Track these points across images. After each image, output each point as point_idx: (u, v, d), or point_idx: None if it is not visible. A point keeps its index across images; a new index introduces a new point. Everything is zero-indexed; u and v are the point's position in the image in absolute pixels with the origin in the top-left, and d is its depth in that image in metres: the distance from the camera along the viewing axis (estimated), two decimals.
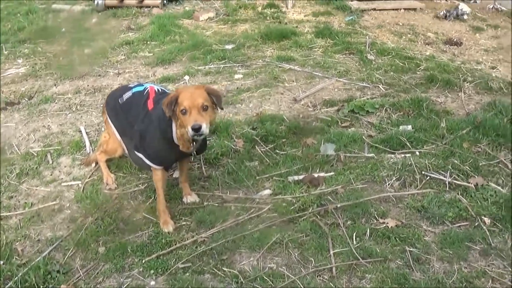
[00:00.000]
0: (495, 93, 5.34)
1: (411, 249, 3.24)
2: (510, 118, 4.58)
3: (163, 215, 3.55)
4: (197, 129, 2.93)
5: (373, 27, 7.34)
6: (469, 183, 3.82)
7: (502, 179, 3.88)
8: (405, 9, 8.03)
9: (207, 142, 3.71)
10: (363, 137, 4.44)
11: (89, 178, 4.02)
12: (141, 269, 3.17)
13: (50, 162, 4.23)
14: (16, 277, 3.06)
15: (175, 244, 3.35)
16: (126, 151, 3.76)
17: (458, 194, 3.73)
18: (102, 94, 5.44)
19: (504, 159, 4.07)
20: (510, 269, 3.09)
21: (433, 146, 4.29)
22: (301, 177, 3.94)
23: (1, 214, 3.53)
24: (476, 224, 3.45)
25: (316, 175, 3.94)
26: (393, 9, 7.96)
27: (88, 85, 5.68)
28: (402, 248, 3.26)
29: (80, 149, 4.35)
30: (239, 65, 6.09)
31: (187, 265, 3.21)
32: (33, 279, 3.06)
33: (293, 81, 5.62)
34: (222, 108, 3.29)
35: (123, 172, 4.11)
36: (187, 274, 3.14)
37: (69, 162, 4.25)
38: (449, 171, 3.93)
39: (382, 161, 4.10)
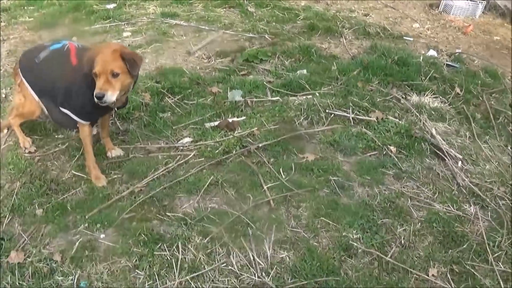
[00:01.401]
0: (373, 38, 6.28)
1: (334, 178, 3.89)
2: (395, 59, 5.49)
3: (94, 171, 3.70)
4: (99, 98, 3.10)
5: None
6: (370, 117, 4.60)
7: (397, 112, 4.76)
8: None
9: (127, 97, 3.90)
10: (264, 83, 4.96)
11: (4, 144, 4.01)
12: (86, 225, 3.32)
13: None
14: None
15: (113, 197, 3.53)
16: (46, 112, 3.74)
17: (362, 128, 4.48)
18: None
19: (396, 95, 4.97)
20: (423, 189, 3.92)
21: (330, 87, 5.01)
22: (216, 123, 4.34)
23: None
24: (384, 153, 4.23)
25: (230, 120, 4.37)
26: None
27: None
28: (326, 178, 3.89)
29: None
30: (124, 23, 6.28)
31: (131, 214, 3.41)
32: None
33: (182, 36, 5.97)
34: (134, 75, 3.42)
35: (38, 135, 4.12)
36: (134, 223, 3.34)
37: None
38: (350, 108, 4.67)
39: (287, 103, 4.69)
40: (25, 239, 3.20)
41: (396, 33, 6.42)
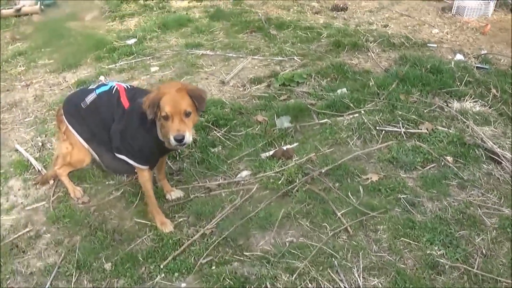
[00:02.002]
0: (398, 48, 6.21)
1: (403, 196, 3.78)
2: (428, 68, 5.40)
3: (158, 216, 3.57)
4: (179, 140, 2.94)
5: (259, 4, 7.90)
6: (421, 129, 4.50)
7: (444, 121, 4.66)
8: None
9: None
10: (308, 106, 4.85)
11: (53, 197, 3.87)
12: (162, 275, 3.19)
13: (1, 188, 3.92)
14: None
15: (184, 242, 3.42)
16: (98, 159, 3.61)
17: (416, 141, 4.37)
18: (20, 108, 5.20)
19: (440, 103, 4.87)
20: (488, 195, 3.80)
21: (373, 103, 4.91)
22: (271, 152, 4.22)
23: None
24: (443, 163, 4.12)
25: (284, 148, 4.24)
26: None
27: None
28: (395, 196, 3.78)
29: (27, 169, 4.15)
30: (149, 58, 6.17)
31: (209, 259, 3.28)
32: None
33: (211, 65, 5.87)
34: (204, 111, 3.34)
35: (87, 183, 4.00)
36: (213, 267, 3.20)
37: (20, 185, 4.00)
38: (400, 123, 4.56)
39: (336, 124, 4.59)
40: None
41: (420, 41, 6.37)
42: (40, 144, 4.52)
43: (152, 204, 3.56)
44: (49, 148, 4.44)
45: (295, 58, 5.90)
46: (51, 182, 3.98)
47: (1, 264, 3.26)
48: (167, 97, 3.02)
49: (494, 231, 3.47)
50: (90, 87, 3.68)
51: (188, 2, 7.80)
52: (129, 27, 6.98)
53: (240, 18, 7.12)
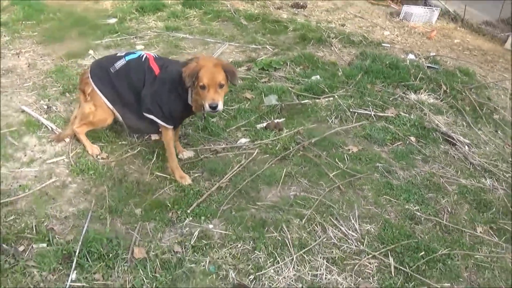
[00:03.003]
0: (357, 45, 7.31)
1: (380, 164, 4.78)
2: (387, 64, 6.59)
3: (178, 171, 4.21)
4: (214, 107, 3.56)
5: None
6: (388, 114, 5.62)
7: (405, 108, 5.79)
8: None
9: None
10: (289, 88, 5.82)
11: (72, 153, 4.39)
12: (190, 218, 3.84)
13: (16, 143, 4.39)
14: (79, 253, 3.39)
15: (204, 193, 4.09)
16: (120, 119, 4.19)
17: (384, 122, 5.46)
18: (16, 74, 5.60)
19: (401, 94, 6.05)
20: (447, 169, 4.95)
21: (344, 89, 5.95)
22: (264, 124, 5.13)
23: (1, 201, 3.73)
24: (407, 142, 5.20)
25: (276, 121, 5.19)
26: None
27: None
28: (373, 165, 4.78)
29: (39, 128, 4.63)
30: (133, 37, 6.78)
31: (228, 206, 4.04)
32: (101, 249, 3.42)
33: (192, 48, 6.61)
34: (235, 85, 4.08)
35: (101, 142, 4.55)
36: (233, 212, 3.98)
37: (35, 141, 4.45)
38: (370, 107, 5.65)
39: (316, 105, 5.56)
40: (136, 237, 3.66)
41: (375, 41, 7.48)
42: (45, 107, 4.96)
43: (173, 160, 4.19)
44: (55, 111, 4.91)
45: (268, 47, 6.78)
46: (67, 140, 4.50)
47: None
48: (205, 70, 3.61)
49: (455, 195, 4.48)
50: (118, 54, 4.22)
51: None
52: (105, 7, 7.51)
53: (211, 7, 7.90)
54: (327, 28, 7.58)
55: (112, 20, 6.94)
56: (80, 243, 3.41)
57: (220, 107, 3.68)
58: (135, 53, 4.14)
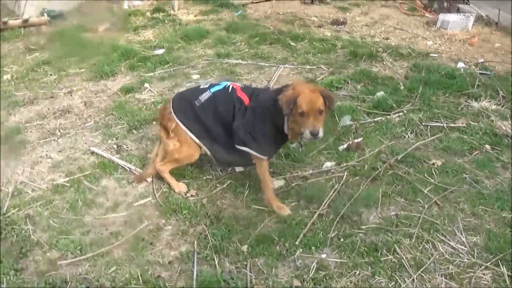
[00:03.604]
0: (407, 58, 7.41)
1: (466, 176, 4.83)
2: (442, 74, 6.65)
3: (275, 202, 4.20)
4: (315, 135, 3.56)
5: (262, 19, 8.94)
6: (459, 124, 5.66)
7: (471, 117, 5.84)
8: None
9: None
10: (357, 106, 5.88)
11: (158, 192, 4.43)
12: (301, 250, 3.85)
13: (94, 188, 4.44)
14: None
15: (307, 222, 4.12)
16: (209, 153, 4.22)
17: (457, 133, 5.51)
18: (74, 114, 5.71)
19: (465, 103, 6.09)
20: None
21: (410, 103, 6.02)
22: (345, 145, 5.18)
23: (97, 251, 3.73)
24: (484, 150, 5.23)
25: (355, 141, 5.24)
26: (266, 0, 9.85)
27: (49, 109, 5.69)
28: (460, 177, 4.79)
29: (114, 169, 4.69)
30: (185, 67, 6.86)
31: (334, 233, 4.07)
32: None
33: (249, 73, 6.70)
34: (333, 110, 4.14)
35: (185, 179, 4.59)
36: (342, 239, 4.01)
37: (114, 184, 4.49)
38: (440, 118, 5.70)
39: (389, 121, 5.63)
40: (250, 275, 3.61)
41: (423, 52, 7.56)
42: (115, 146, 5.02)
43: (269, 191, 4.17)
44: (126, 150, 4.98)
45: (322, 66, 6.86)
46: (149, 180, 4.45)
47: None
48: (303, 96, 3.61)
49: None
50: (201, 87, 4.28)
51: (195, 16, 8.62)
52: (148, 38, 7.62)
53: (255, 31, 8.03)
54: (373, 43, 7.66)
55: (160, 51, 7.05)
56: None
57: (321, 134, 3.71)
58: (220, 84, 4.17)
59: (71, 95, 5.92)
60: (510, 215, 4.25)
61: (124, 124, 5.29)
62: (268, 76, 6.46)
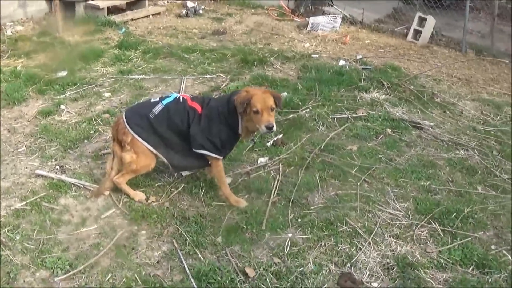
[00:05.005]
0: (293, 60, 8.67)
1: (380, 156, 6.11)
2: (331, 71, 8.12)
3: (232, 197, 4.97)
4: (270, 128, 4.31)
5: (146, 34, 9.76)
6: (361, 114, 7.08)
7: (368, 107, 7.29)
8: (152, 14, 10.87)
9: None
10: None
11: (120, 203, 4.97)
12: (269, 233, 4.59)
13: (56, 207, 4.85)
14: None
15: (264, 210, 5.04)
16: (165, 160, 4.86)
17: (361, 122, 6.90)
18: (2, 142, 5.95)
19: (359, 94, 7.56)
20: (428, 148, 6.36)
21: (313, 100, 7.29)
22: (271, 142, 6.30)
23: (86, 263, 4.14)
24: (387, 134, 6.58)
25: (278, 137, 6.39)
26: (144, 16, 10.68)
27: None
28: (376, 157, 6.02)
29: (68, 188, 5.11)
30: (93, 86, 7.56)
31: (292, 215, 5.00)
32: (218, 279, 4.09)
33: (156, 87, 7.43)
34: (281, 109, 5.15)
35: (139, 187, 5.18)
36: (300, 219, 4.91)
37: (73, 201, 4.91)
38: (343, 111, 7.08)
39: (301, 117, 6.78)
40: (235, 261, 4.29)
41: (305, 53, 8.93)
42: (57, 167, 5.42)
43: (226, 188, 4.95)
44: (70, 169, 5.43)
45: (221, 75, 7.78)
46: (106, 193, 5.05)
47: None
48: (257, 97, 4.35)
49: (447, 167, 5.83)
50: (152, 100, 4.92)
51: (80, 37, 9.17)
52: (45, 62, 7.96)
53: (145, 46, 8.76)
54: (258, 49, 8.77)
55: (63, 73, 7.37)
56: (192, 280, 4.10)
57: (275, 128, 4.55)
58: (170, 96, 4.85)
59: None
60: (428, 183, 5.46)
61: (57, 145, 5.64)
62: (175, 88, 7.15)
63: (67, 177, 5.21)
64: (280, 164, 5.61)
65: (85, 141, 5.89)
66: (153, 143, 4.72)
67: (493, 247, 4.64)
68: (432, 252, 4.55)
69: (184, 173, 5.34)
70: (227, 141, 4.81)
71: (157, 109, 4.73)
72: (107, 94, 7.04)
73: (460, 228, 4.84)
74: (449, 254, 4.51)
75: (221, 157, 4.82)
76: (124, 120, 4.73)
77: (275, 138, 6.02)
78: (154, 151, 4.75)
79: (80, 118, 6.38)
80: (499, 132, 6.80)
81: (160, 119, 4.70)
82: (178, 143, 4.78)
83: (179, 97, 4.81)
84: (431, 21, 10.04)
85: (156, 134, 4.71)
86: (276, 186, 5.27)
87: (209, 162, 4.87)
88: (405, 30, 10.50)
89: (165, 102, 4.78)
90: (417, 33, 10.15)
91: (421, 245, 4.64)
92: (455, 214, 4.99)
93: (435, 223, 4.90)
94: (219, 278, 4.06)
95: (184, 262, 4.25)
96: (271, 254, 4.42)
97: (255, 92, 4.48)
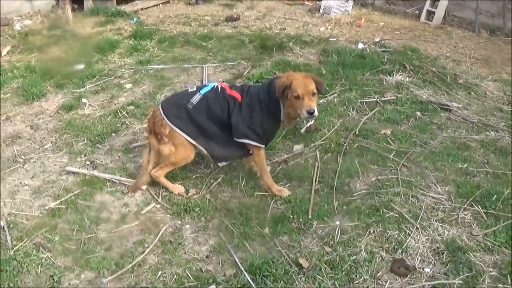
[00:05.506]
0: (311, 44, 8.58)
1: (414, 139, 6.07)
2: (353, 55, 8.03)
3: (274, 186, 4.91)
4: (311, 113, 4.25)
5: (158, 24, 9.61)
6: (389, 97, 7.02)
7: (394, 90, 7.25)
8: (162, 3, 10.75)
9: None
10: None
11: (159, 197, 4.91)
12: (316, 222, 4.59)
13: (93, 204, 4.73)
14: (254, 281, 4.03)
15: (308, 198, 5.00)
16: (205, 152, 4.78)
17: (390, 105, 6.86)
18: (26, 139, 5.87)
19: (384, 78, 7.47)
20: (459, 130, 6.32)
21: (339, 84, 7.23)
22: (304, 128, 6.23)
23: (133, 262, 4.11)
24: (417, 117, 6.57)
25: (311, 123, 6.32)
26: (154, 5, 10.56)
27: None
28: (410, 141, 5.99)
29: (103, 184, 5.03)
30: (113, 78, 7.48)
31: (337, 203, 4.96)
32: (273, 271, 4.05)
33: (178, 76, 7.32)
34: (323, 94, 5.04)
35: (177, 180, 5.10)
36: (345, 207, 4.89)
37: (110, 198, 4.83)
38: (371, 94, 7.02)
39: (330, 103, 6.73)
40: (286, 251, 4.30)
41: (322, 37, 8.85)
42: (88, 162, 5.35)
43: (268, 177, 4.88)
44: (102, 164, 5.35)
45: (242, 61, 7.71)
46: (144, 187, 4.92)
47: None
48: (297, 81, 4.31)
49: (480, 149, 5.81)
50: (190, 90, 4.81)
51: (92, 28, 9.03)
52: (59, 55, 7.85)
53: (160, 35, 8.66)
54: (275, 34, 8.70)
55: (80, 66, 7.28)
56: (246, 273, 3.99)
57: (316, 113, 4.45)
58: (208, 86, 4.77)
59: (11, 121, 6.00)
60: (465, 165, 5.42)
61: (84, 140, 5.60)
62: (197, 77, 7.07)
63: (100, 172, 5.13)
64: (317, 151, 5.54)
65: (113, 134, 5.83)
66: (193, 134, 4.62)
67: None
68: (478, 235, 4.53)
69: (221, 164, 5.26)
70: (269, 129, 4.72)
71: (196, 99, 4.63)
72: (128, 86, 6.94)
73: (502, 210, 4.80)
74: (495, 236, 4.49)
75: (263, 146, 4.74)
76: (161, 111, 4.63)
77: (308, 125, 5.89)
78: (194, 142, 4.66)
79: (104, 111, 6.29)
80: None
81: (199, 109, 4.59)
82: (218, 133, 4.67)
83: (217, 86, 4.71)
84: (443, 2, 10.01)
85: (195, 124, 4.61)
86: (317, 173, 5.20)
87: (250, 152, 4.79)
88: (417, 12, 10.44)
89: (203, 91, 4.67)
90: (430, 14, 10.08)
91: (466, 228, 4.62)
92: (495, 196, 4.94)
93: (477, 206, 4.88)
94: (273, 271, 4.02)
95: (234, 255, 4.20)
96: (321, 243, 4.38)
97: (295, 76, 4.39)
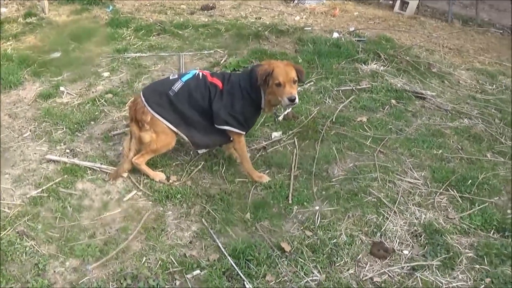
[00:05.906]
0: (287, 33, 8.65)
1: (390, 127, 6.22)
2: (329, 44, 8.15)
3: (255, 173, 5.00)
4: (293, 100, 4.29)
5: (134, 11, 9.60)
6: (364, 85, 7.18)
7: (369, 78, 7.39)
8: None
9: None
10: None
11: (140, 184, 4.95)
12: (296, 207, 4.69)
13: (74, 193, 4.75)
14: (238, 265, 4.10)
15: (288, 183, 5.10)
16: (186, 139, 4.81)
17: (366, 93, 7.00)
18: (4, 128, 5.82)
19: (359, 66, 7.61)
20: (433, 117, 6.50)
21: (315, 73, 7.31)
22: (282, 116, 6.34)
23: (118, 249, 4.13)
24: (392, 105, 6.72)
25: (288, 110, 6.42)
26: None
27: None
28: (386, 128, 6.12)
29: (84, 171, 5.05)
30: (90, 66, 7.45)
31: (316, 188, 5.06)
32: (256, 255, 4.09)
33: (155, 64, 7.40)
34: (304, 82, 5.13)
35: (158, 168, 5.14)
36: (324, 192, 5.00)
37: (91, 185, 4.84)
38: (347, 83, 7.14)
39: (307, 91, 6.82)
40: (268, 236, 4.36)
41: (297, 26, 8.93)
42: (68, 150, 5.35)
43: (248, 163, 4.96)
44: (82, 152, 5.35)
45: (218, 50, 7.76)
46: (125, 175, 4.95)
47: None
48: (279, 69, 4.36)
49: (454, 135, 5.99)
50: (171, 78, 4.84)
51: (67, 16, 8.99)
52: (35, 44, 7.81)
53: (136, 24, 8.67)
54: (250, 23, 8.77)
55: (56, 54, 7.28)
56: (229, 258, 4.05)
57: (297, 100, 4.53)
58: (189, 73, 4.80)
59: None
60: (440, 151, 5.59)
61: (63, 128, 5.60)
62: (174, 65, 7.08)
63: (80, 160, 5.14)
64: (295, 138, 5.63)
65: (92, 122, 5.85)
66: (174, 121, 4.65)
67: (508, 211, 4.83)
68: (454, 218, 4.69)
69: (201, 151, 5.31)
70: (250, 116, 4.79)
71: (177, 86, 4.66)
72: (106, 74, 6.95)
73: (477, 194, 4.98)
74: (470, 219, 4.66)
75: (244, 133, 4.80)
76: (143, 99, 4.66)
77: (286, 112, 5.97)
78: (175, 129, 4.69)
79: (82, 100, 6.29)
80: (498, 100, 7.04)
81: (180, 96, 4.62)
82: (199, 120, 4.72)
83: (198, 74, 4.74)
84: None
85: (177, 112, 4.65)
86: (295, 160, 5.29)
87: (231, 139, 4.85)
88: (391, 2, 10.65)
89: (184, 79, 4.70)
90: (404, 4, 10.26)
91: (442, 211, 4.76)
92: (470, 181, 5.12)
93: (453, 190, 5.04)
94: (256, 255, 4.09)
95: (217, 240, 4.28)
96: (302, 228, 4.48)
97: (277, 64, 4.44)
